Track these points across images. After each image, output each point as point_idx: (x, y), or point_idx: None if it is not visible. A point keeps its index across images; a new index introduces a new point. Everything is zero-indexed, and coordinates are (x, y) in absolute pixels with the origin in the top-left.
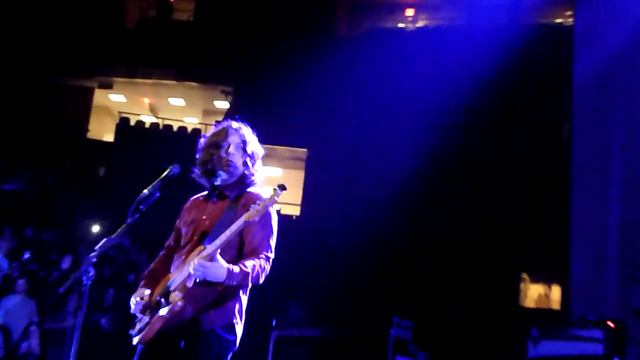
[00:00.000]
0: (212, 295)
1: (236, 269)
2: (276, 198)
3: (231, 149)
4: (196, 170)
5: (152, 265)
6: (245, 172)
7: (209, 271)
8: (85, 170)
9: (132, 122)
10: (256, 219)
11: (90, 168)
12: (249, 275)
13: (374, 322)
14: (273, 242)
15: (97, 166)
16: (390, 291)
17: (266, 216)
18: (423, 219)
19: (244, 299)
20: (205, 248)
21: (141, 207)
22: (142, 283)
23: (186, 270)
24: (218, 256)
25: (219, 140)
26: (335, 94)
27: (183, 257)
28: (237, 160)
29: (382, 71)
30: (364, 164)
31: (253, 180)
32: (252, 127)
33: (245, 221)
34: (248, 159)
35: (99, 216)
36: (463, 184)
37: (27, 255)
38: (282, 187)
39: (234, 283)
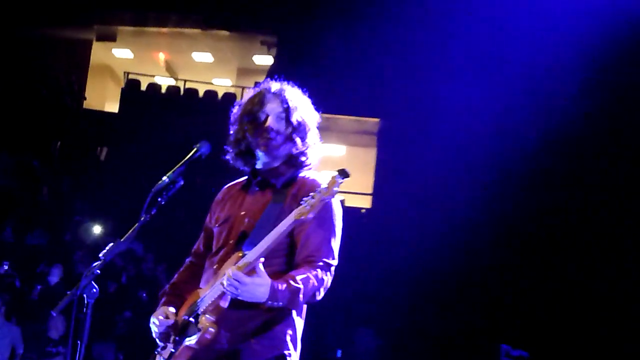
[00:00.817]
0: (256, 319)
1: (282, 285)
2: (335, 189)
3: (270, 121)
4: (230, 150)
5: (175, 277)
6: (293, 150)
7: (246, 289)
8: (81, 152)
9: (143, 86)
10: (310, 216)
11: (88, 149)
12: (299, 293)
13: (475, 353)
14: (336, 246)
15: (97, 146)
16: (495, 312)
17: (325, 211)
18: (544, 216)
19: (299, 323)
20: (243, 255)
21: (159, 200)
22: (162, 301)
23: (219, 285)
24: (260, 267)
25: (253, 110)
26: (419, 45)
27: (215, 266)
28: (279, 135)
29: (482, 18)
30: (461, 139)
31: (304, 162)
32: (302, 90)
33: (295, 219)
34: (295, 133)
35: (100, 213)
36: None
37: (5, 267)
38: (344, 174)
39: (280, 304)
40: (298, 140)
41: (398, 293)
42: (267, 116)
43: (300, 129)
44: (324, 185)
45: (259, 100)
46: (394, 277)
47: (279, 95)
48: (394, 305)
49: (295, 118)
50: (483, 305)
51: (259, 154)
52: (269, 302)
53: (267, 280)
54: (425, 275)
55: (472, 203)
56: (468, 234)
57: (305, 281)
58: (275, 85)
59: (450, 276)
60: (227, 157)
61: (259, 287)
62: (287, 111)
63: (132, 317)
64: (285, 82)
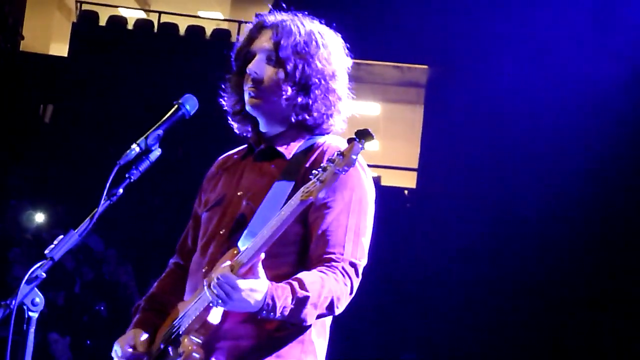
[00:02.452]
0: (259, 340)
1: (284, 291)
2: (354, 156)
3: (252, 64)
4: (225, 107)
5: (154, 286)
6: (296, 107)
7: (237, 295)
8: (17, 111)
9: (102, 20)
10: (320, 195)
11: (28, 106)
12: (306, 303)
13: None
14: (366, 239)
15: (40, 103)
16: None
17: (350, 190)
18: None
19: (321, 346)
20: (239, 252)
21: (127, 177)
22: (135, 319)
23: (205, 294)
24: (260, 268)
25: (242, 51)
26: None
27: (204, 269)
28: (273, 84)
29: None
30: (536, 92)
31: (321, 123)
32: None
33: (301, 201)
34: (312, 84)
35: (45, 195)
36: None
37: None
38: (366, 135)
39: (278, 318)
40: (318, 93)
41: (454, 303)
42: (254, 56)
43: (301, 75)
44: (338, 152)
45: (249, 35)
46: (447, 281)
47: (275, 27)
48: (445, 324)
49: (292, 58)
50: (566, 318)
51: (252, 113)
52: (263, 312)
53: (265, 284)
54: (488, 277)
55: (550, 180)
56: (547, 222)
57: (317, 287)
58: (276, 17)
59: (522, 278)
60: (228, 116)
61: (254, 294)
62: (279, 48)
63: (86, 341)
64: (302, 14)
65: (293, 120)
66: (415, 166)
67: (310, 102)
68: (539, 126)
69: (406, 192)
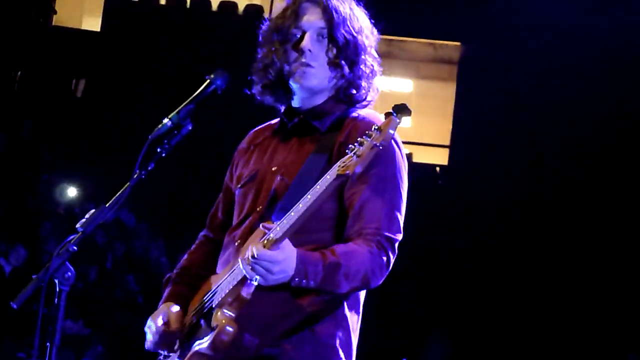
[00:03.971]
0: (293, 314)
1: (314, 257)
2: (392, 131)
3: (307, 40)
4: (256, 80)
5: (184, 258)
6: (341, 80)
7: (276, 268)
8: (50, 85)
9: None
10: (357, 170)
11: (60, 81)
12: (339, 270)
13: None
14: (401, 213)
15: (72, 77)
16: (617, 311)
17: (387, 165)
18: None
19: (354, 320)
20: (274, 226)
21: (158, 151)
22: (166, 293)
23: (239, 268)
24: (286, 241)
25: (285, 25)
26: None
27: (237, 242)
28: (320, 59)
29: None
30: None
31: (357, 96)
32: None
33: (338, 174)
34: (342, 56)
35: (76, 169)
36: None
37: None
38: (403, 110)
39: (312, 284)
40: (347, 66)
41: (485, 283)
42: (304, 33)
43: (350, 51)
44: (375, 126)
45: (293, 11)
46: (479, 260)
47: (321, 4)
48: (478, 301)
49: (343, 35)
50: (604, 304)
51: (294, 86)
52: (296, 279)
53: (293, 250)
54: (522, 260)
55: (582, 159)
56: (577, 200)
57: (349, 255)
58: None
59: (556, 263)
60: (253, 91)
61: (288, 262)
62: (332, 26)
63: (119, 315)
64: None
65: (341, 94)
66: (447, 143)
67: (358, 78)
68: (571, 105)
69: (438, 169)
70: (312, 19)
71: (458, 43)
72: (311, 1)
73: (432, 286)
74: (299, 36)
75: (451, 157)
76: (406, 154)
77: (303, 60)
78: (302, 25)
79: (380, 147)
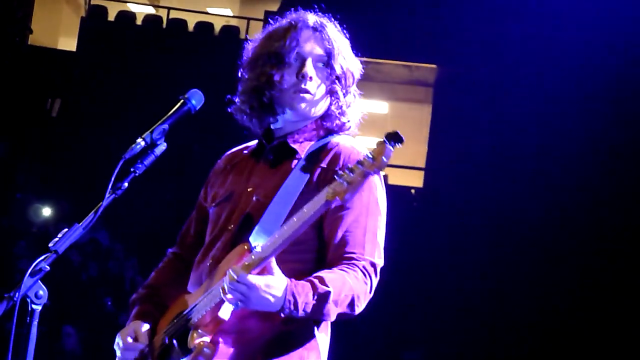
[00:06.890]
0: (266, 335)
1: (304, 287)
2: (385, 159)
3: (309, 68)
4: (239, 102)
5: (152, 276)
6: (332, 107)
7: (255, 294)
8: (25, 105)
9: (111, 15)
10: (347, 196)
11: (35, 100)
12: (328, 299)
13: None
14: (382, 239)
15: (47, 97)
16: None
17: (369, 191)
18: None
19: (323, 342)
20: (250, 248)
21: (132, 171)
22: (134, 312)
23: (217, 289)
24: (274, 265)
25: (284, 50)
26: None
27: (209, 262)
28: (320, 86)
29: None
30: (546, 94)
31: (342, 123)
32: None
33: (326, 200)
34: (337, 85)
35: (50, 189)
36: None
37: None
38: (396, 138)
39: (301, 315)
40: (340, 94)
41: (459, 304)
42: (305, 60)
43: (346, 80)
44: (368, 154)
45: (293, 36)
46: (453, 281)
47: (322, 32)
48: (452, 321)
49: (340, 65)
50: (586, 330)
51: (287, 111)
52: (286, 310)
53: (283, 281)
54: (498, 281)
55: (557, 181)
56: (562, 223)
57: (339, 284)
58: (311, 17)
59: (533, 284)
60: (235, 112)
61: (272, 290)
62: (332, 55)
63: (89, 334)
64: (322, 15)
65: (328, 121)
66: (423, 165)
67: (348, 106)
68: (546, 127)
69: (413, 191)
70: (312, 46)
71: (434, 65)
72: (312, 29)
73: (407, 307)
74: (297, 62)
75: (426, 180)
76: (383, 176)
77: (303, 86)
78: (302, 52)
79: (372, 175)
